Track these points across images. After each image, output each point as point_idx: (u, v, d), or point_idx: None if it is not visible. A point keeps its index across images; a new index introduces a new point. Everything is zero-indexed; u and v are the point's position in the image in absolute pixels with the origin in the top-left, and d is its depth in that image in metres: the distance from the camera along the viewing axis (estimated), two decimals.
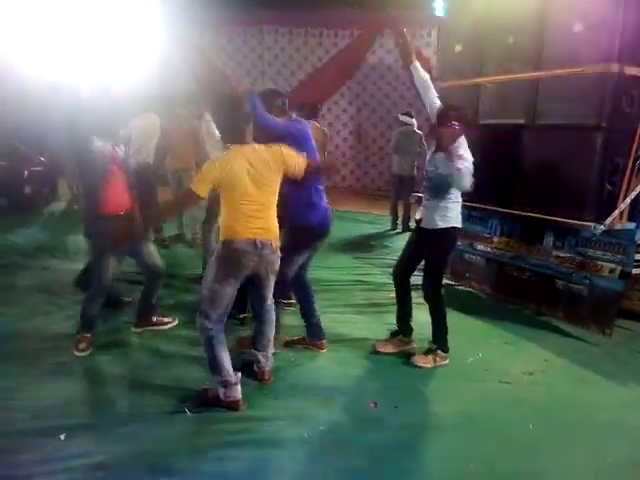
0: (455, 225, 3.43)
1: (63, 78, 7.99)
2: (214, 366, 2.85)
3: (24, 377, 3.12)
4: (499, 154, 4.46)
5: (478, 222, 5.06)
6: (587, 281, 4.06)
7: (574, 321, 4.18)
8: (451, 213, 3.39)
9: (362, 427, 2.77)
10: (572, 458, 2.57)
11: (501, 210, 4.50)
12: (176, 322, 3.93)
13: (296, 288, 3.65)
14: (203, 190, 2.78)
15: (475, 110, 4.69)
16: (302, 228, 3.36)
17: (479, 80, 4.65)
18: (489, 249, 4.89)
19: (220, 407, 2.84)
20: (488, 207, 4.63)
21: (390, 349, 3.64)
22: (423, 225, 3.49)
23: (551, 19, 4.06)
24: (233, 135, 2.89)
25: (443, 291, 3.53)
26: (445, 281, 5.29)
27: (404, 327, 3.69)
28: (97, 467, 2.36)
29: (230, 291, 2.84)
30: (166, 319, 3.92)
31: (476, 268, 5.05)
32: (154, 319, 3.87)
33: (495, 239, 4.85)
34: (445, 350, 3.52)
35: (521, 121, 4.29)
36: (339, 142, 12.12)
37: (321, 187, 3.43)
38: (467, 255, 5.11)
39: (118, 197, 3.45)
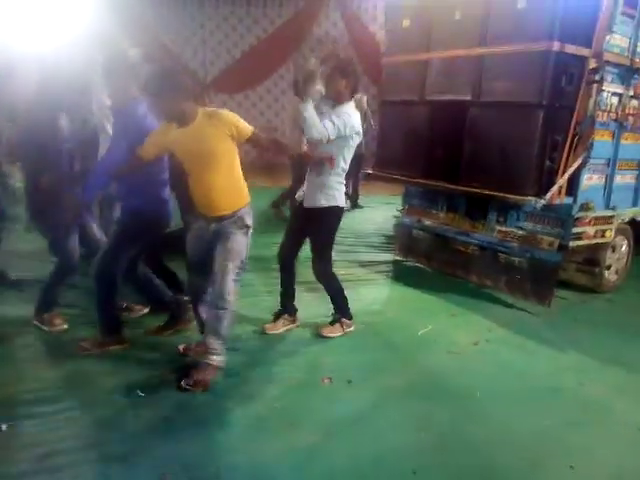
0: (339, 204, 3.42)
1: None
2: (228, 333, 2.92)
3: None
4: (446, 130, 4.51)
5: (425, 199, 5.15)
6: (528, 254, 4.23)
7: (516, 292, 4.37)
8: (334, 192, 3.37)
9: (316, 403, 2.80)
10: (515, 422, 2.70)
11: (446, 186, 4.58)
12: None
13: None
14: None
15: (422, 86, 4.72)
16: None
17: (426, 56, 4.67)
18: (436, 225, 5.00)
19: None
20: (434, 183, 4.69)
21: (279, 329, 3.62)
22: (306, 204, 3.43)
23: None
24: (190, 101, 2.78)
25: (332, 267, 3.57)
26: (394, 257, 5.45)
27: (289, 306, 3.69)
28: (43, 457, 2.26)
29: None
30: (137, 306, 3.76)
31: (423, 244, 5.15)
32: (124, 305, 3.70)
33: (441, 215, 4.96)
34: (349, 317, 3.63)
35: (467, 97, 4.34)
36: (285, 117, 11.91)
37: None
38: (414, 231, 5.20)
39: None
